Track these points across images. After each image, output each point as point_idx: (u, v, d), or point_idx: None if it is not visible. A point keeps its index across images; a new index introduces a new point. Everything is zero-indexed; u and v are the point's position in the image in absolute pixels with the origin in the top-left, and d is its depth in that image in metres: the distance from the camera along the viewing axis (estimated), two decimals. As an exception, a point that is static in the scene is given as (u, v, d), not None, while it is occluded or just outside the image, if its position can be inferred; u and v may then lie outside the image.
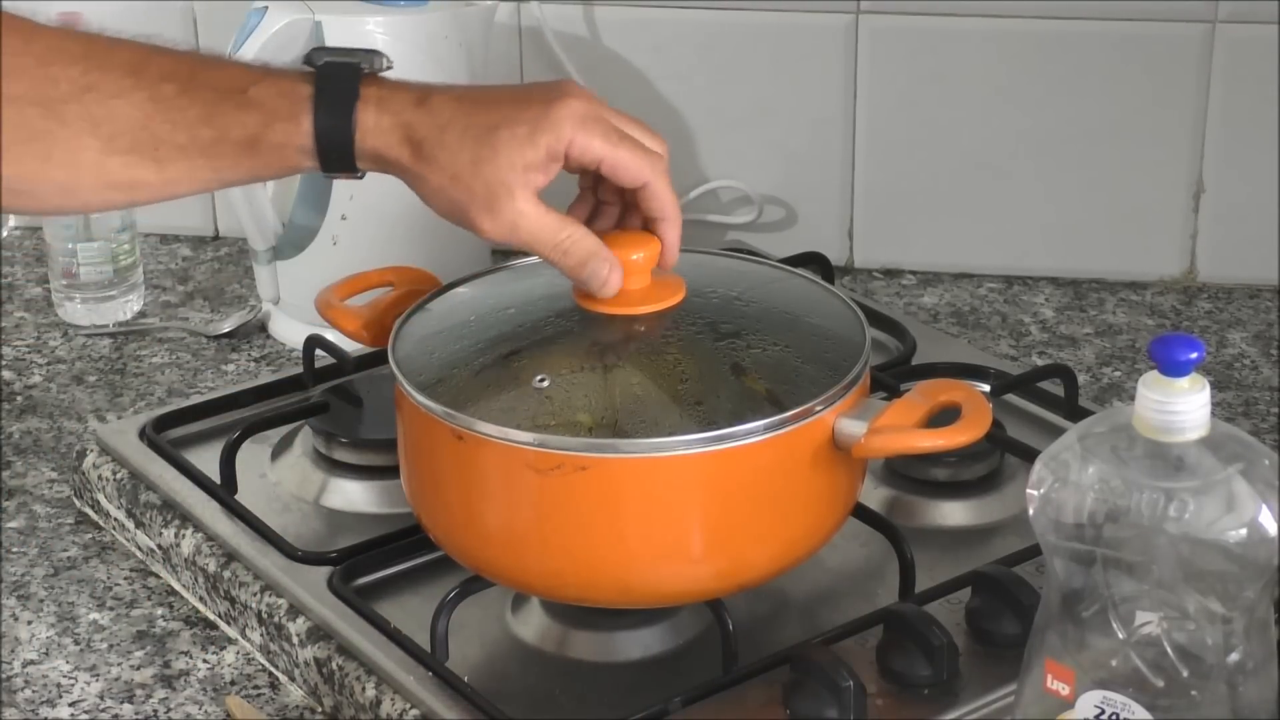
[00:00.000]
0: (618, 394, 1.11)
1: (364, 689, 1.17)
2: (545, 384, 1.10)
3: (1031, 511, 0.99)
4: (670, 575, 1.13)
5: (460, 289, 1.25)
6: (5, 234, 1.86)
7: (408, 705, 1.15)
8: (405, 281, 1.28)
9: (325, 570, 1.25)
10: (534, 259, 1.18)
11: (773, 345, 1.15)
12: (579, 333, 1.16)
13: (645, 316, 1.16)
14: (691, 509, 1.11)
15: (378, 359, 1.41)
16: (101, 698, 1.22)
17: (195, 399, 1.49)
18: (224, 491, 1.34)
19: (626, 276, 1.15)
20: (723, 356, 1.14)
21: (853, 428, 1.11)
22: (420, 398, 1.13)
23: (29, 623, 1.29)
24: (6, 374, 1.60)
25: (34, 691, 1.23)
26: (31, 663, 1.26)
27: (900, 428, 1.11)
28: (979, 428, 1.12)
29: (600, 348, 1.14)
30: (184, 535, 1.32)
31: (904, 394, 1.15)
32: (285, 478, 1.38)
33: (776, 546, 1.14)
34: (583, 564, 1.12)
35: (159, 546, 1.34)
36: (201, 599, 1.31)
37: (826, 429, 1.11)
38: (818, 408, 1.11)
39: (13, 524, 1.40)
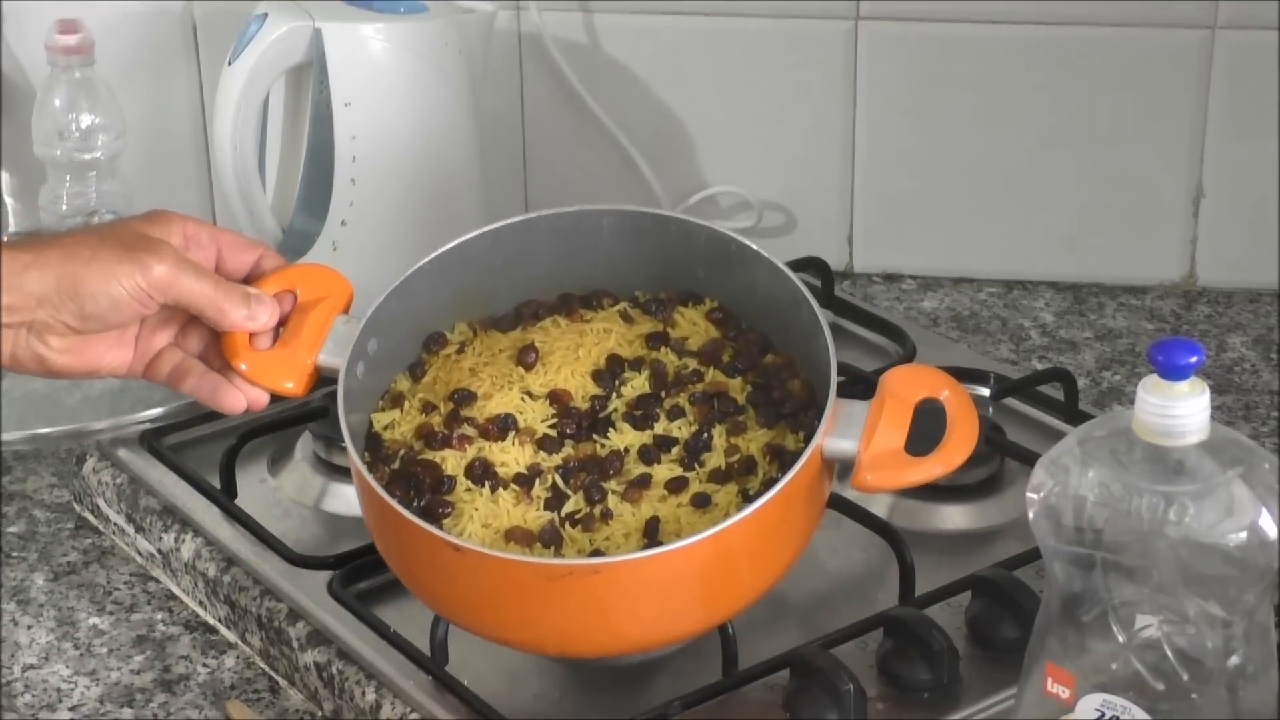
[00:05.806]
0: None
1: (364, 693, 1.17)
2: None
3: (1031, 515, 0.99)
4: (672, 636, 1.14)
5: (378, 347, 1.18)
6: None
7: (408, 709, 1.15)
8: (309, 286, 1.18)
9: (325, 575, 1.25)
10: None
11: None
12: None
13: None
14: (693, 589, 1.09)
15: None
16: (101, 702, 1.22)
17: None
18: (224, 496, 1.34)
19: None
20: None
21: (843, 445, 1.09)
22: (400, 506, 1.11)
23: (29, 627, 1.29)
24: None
25: (34, 696, 1.23)
26: (31, 667, 1.26)
27: (895, 455, 1.08)
28: (969, 439, 1.09)
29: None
30: (184, 540, 1.32)
31: (881, 394, 1.11)
32: (285, 483, 1.38)
33: (771, 573, 1.12)
34: (581, 641, 1.11)
35: (159, 551, 1.34)
36: (201, 604, 1.31)
37: (816, 460, 1.09)
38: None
39: (13, 529, 1.40)
